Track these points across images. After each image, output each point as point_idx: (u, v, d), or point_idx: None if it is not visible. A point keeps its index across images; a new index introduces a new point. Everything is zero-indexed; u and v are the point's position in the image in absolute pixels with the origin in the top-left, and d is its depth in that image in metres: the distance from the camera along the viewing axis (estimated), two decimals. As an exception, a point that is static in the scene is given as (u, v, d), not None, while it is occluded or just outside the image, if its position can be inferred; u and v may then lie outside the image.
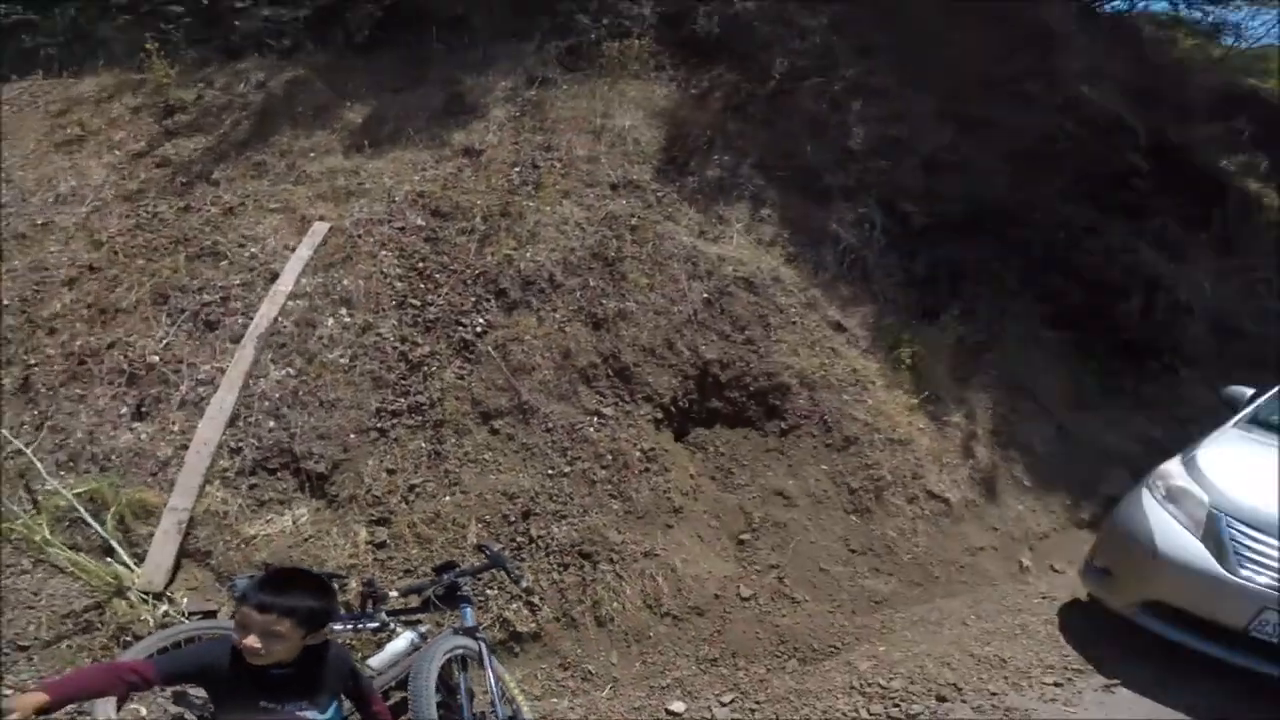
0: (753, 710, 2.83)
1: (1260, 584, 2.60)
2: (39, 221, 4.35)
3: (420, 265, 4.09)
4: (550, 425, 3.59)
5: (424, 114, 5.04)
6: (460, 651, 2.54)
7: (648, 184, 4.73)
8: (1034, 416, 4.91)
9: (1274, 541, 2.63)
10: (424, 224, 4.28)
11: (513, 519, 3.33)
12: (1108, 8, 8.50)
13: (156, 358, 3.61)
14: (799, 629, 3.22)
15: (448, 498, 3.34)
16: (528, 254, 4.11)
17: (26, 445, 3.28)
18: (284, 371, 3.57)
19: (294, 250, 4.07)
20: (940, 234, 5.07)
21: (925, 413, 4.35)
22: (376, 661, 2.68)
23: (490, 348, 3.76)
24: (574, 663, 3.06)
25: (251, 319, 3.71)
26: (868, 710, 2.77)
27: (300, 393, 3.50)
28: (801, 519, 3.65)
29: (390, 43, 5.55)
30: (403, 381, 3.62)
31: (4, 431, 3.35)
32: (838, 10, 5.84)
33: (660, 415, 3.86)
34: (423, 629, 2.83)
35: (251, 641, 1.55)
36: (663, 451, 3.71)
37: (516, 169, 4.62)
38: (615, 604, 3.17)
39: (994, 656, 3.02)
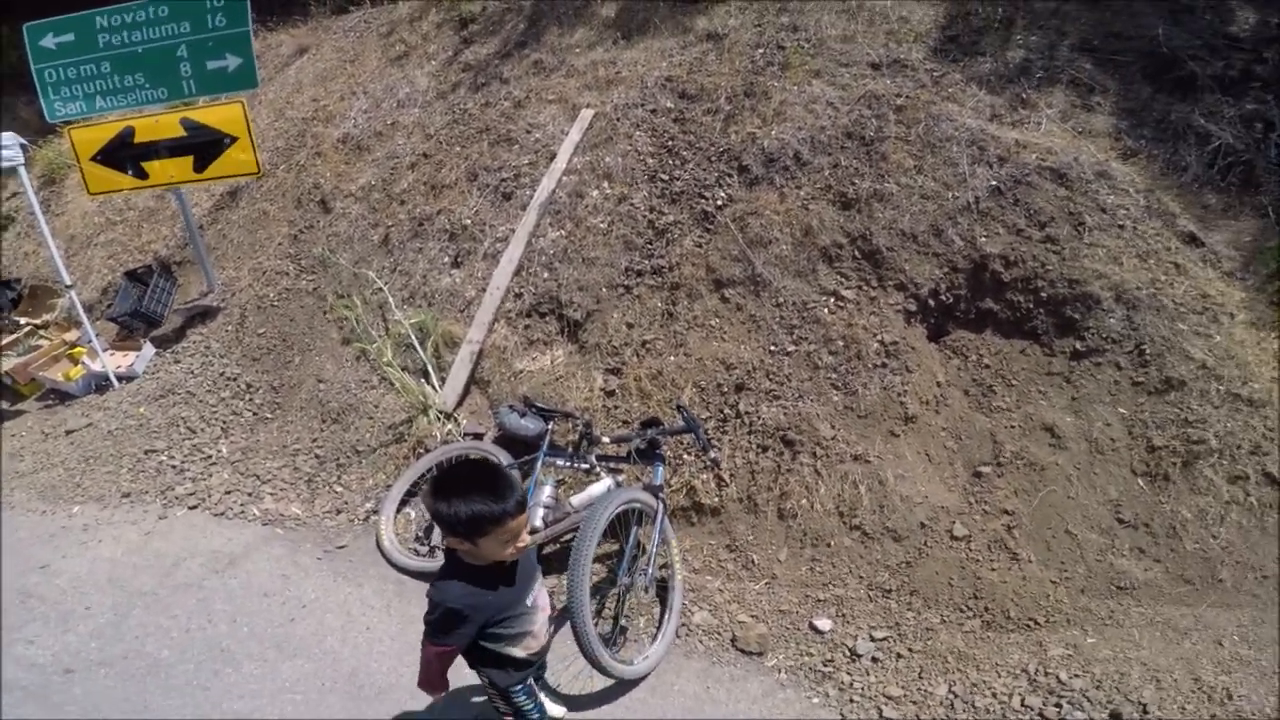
0: (899, 656, 2.49)
1: None
2: (389, 121, 5.39)
3: (669, 143, 4.16)
4: (781, 300, 3.43)
5: (668, 3, 5.03)
6: (638, 505, 2.56)
7: (919, 64, 4.11)
8: None
9: None
10: (672, 106, 4.32)
11: (725, 389, 3.26)
12: None
13: (469, 221, 4.34)
14: (1003, 589, 2.65)
15: (672, 358, 3.42)
16: (772, 132, 3.91)
17: (384, 285, 4.21)
18: (558, 233, 4.01)
19: (567, 134, 4.47)
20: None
21: (1300, 369, 3.08)
22: (577, 500, 2.87)
23: (729, 220, 3.71)
24: (741, 547, 2.93)
25: (535, 190, 4.22)
26: (1022, 700, 2.30)
27: (568, 250, 3.90)
28: (1067, 466, 2.89)
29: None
30: (649, 246, 3.79)
31: (370, 273, 4.36)
32: None
33: (913, 308, 3.36)
34: (620, 478, 2.94)
35: (526, 538, 1.59)
36: (908, 349, 3.22)
37: (760, 50, 4.40)
38: (804, 501, 2.92)
39: (1221, 690, 2.29)
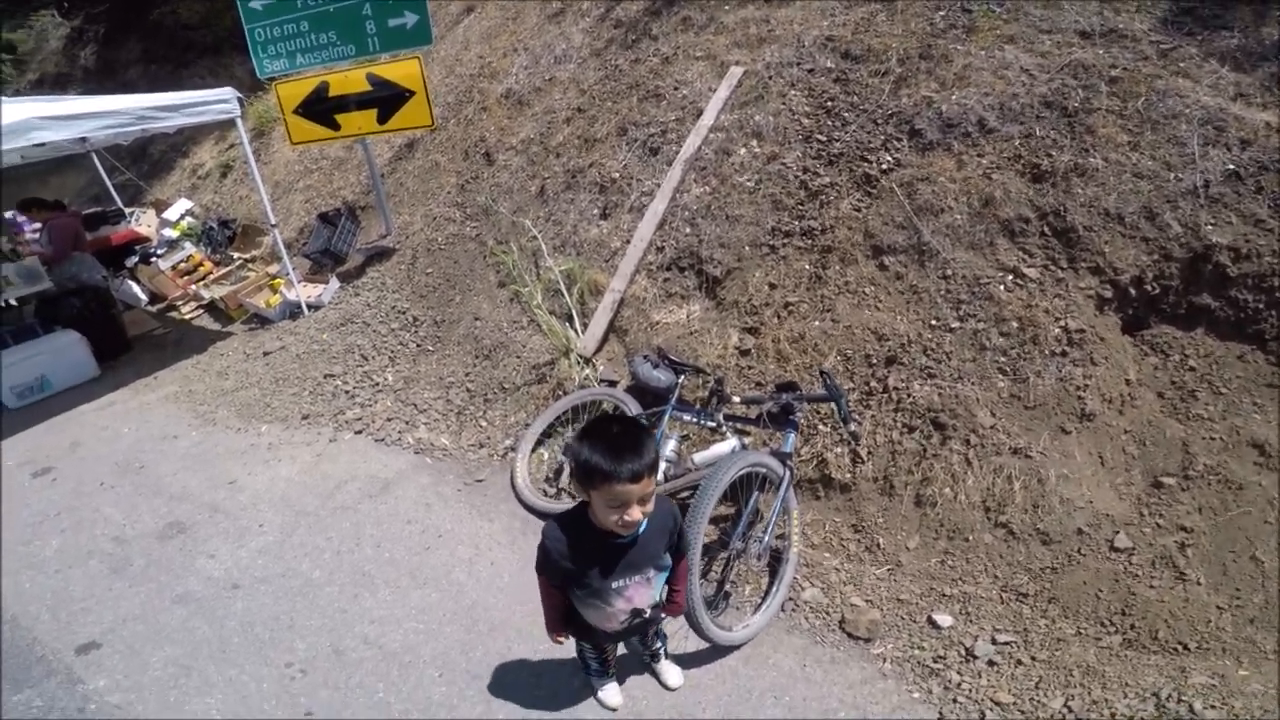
0: (1019, 662, 2.24)
1: None
2: (547, 77, 5.48)
3: (828, 104, 3.86)
4: (949, 273, 3.06)
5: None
6: (763, 471, 2.40)
7: (1143, 35, 3.45)
8: None
9: None
10: (833, 66, 4.00)
11: (874, 361, 3.01)
12: None
13: (618, 174, 4.32)
14: (1158, 608, 2.33)
15: (816, 322, 3.20)
16: (952, 97, 3.47)
17: (538, 233, 4.34)
18: (702, 189, 3.88)
19: (714, 91, 4.28)
20: None
21: None
22: (699, 457, 2.74)
23: (895, 185, 3.36)
24: (868, 529, 2.73)
25: (680, 147, 4.11)
26: (1144, 725, 1.96)
27: (712, 207, 3.76)
28: (1271, 489, 2.48)
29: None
30: (799, 206, 3.54)
31: (527, 222, 4.50)
32: None
33: (1108, 294, 2.90)
34: (747, 440, 2.77)
35: (636, 514, 1.42)
36: (1095, 339, 2.84)
37: (940, 14, 3.92)
38: (947, 489, 2.65)
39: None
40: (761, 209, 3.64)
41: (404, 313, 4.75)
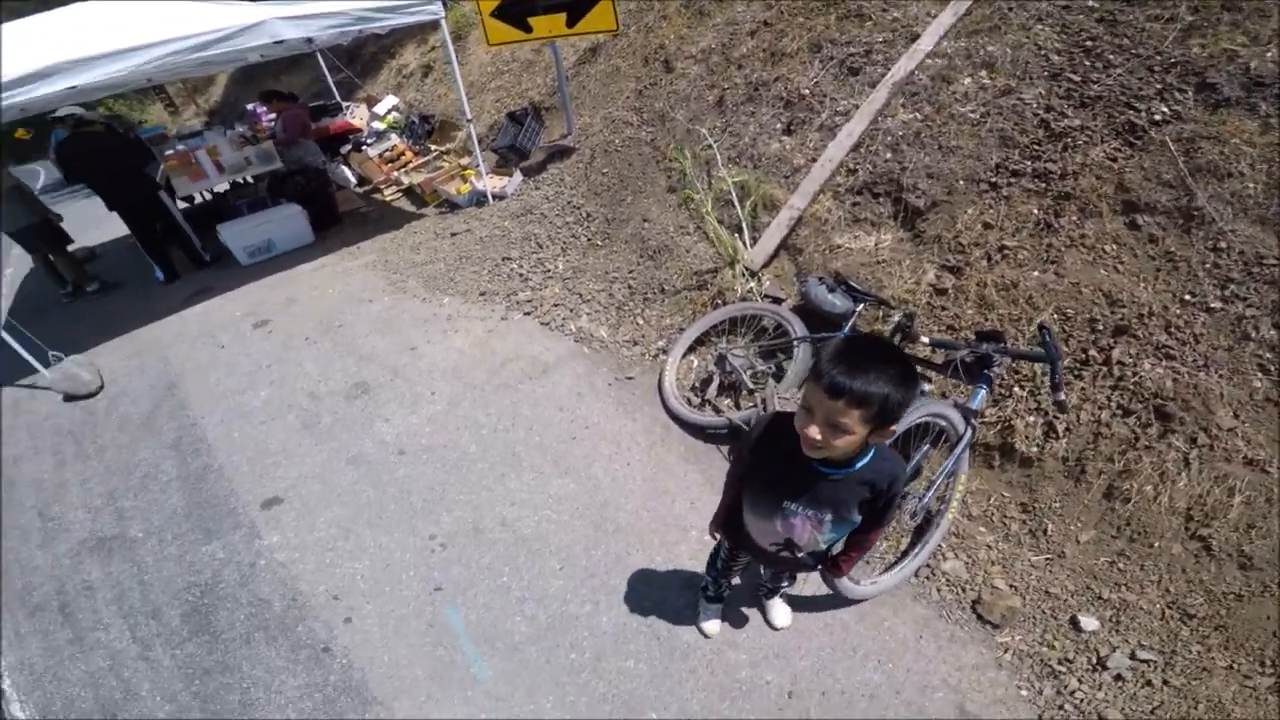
0: (1148, 683, 2.02)
1: None
2: (730, -14, 5.13)
3: (1087, 44, 3.21)
4: (1221, 245, 2.50)
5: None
6: (943, 424, 2.16)
7: None
8: None
9: None
10: (1096, 5, 3.32)
11: (1100, 328, 2.57)
12: None
13: (807, 91, 4.00)
14: None
15: (1036, 272, 2.79)
16: (1268, 54, 2.74)
17: (714, 143, 4.20)
18: (911, 115, 3.47)
19: (935, 17, 3.74)
20: None
21: None
22: None
23: (1169, 138, 2.76)
24: (1039, 512, 2.42)
25: (889, 70, 3.68)
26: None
27: (922, 135, 3.35)
28: None
29: None
30: (1035, 146, 3.04)
31: (703, 130, 4.36)
32: None
33: None
34: (928, 387, 2.54)
35: (812, 432, 1.19)
36: None
37: None
38: (1149, 488, 2.28)
39: None
40: (985, 144, 3.18)
41: (578, 208, 4.89)
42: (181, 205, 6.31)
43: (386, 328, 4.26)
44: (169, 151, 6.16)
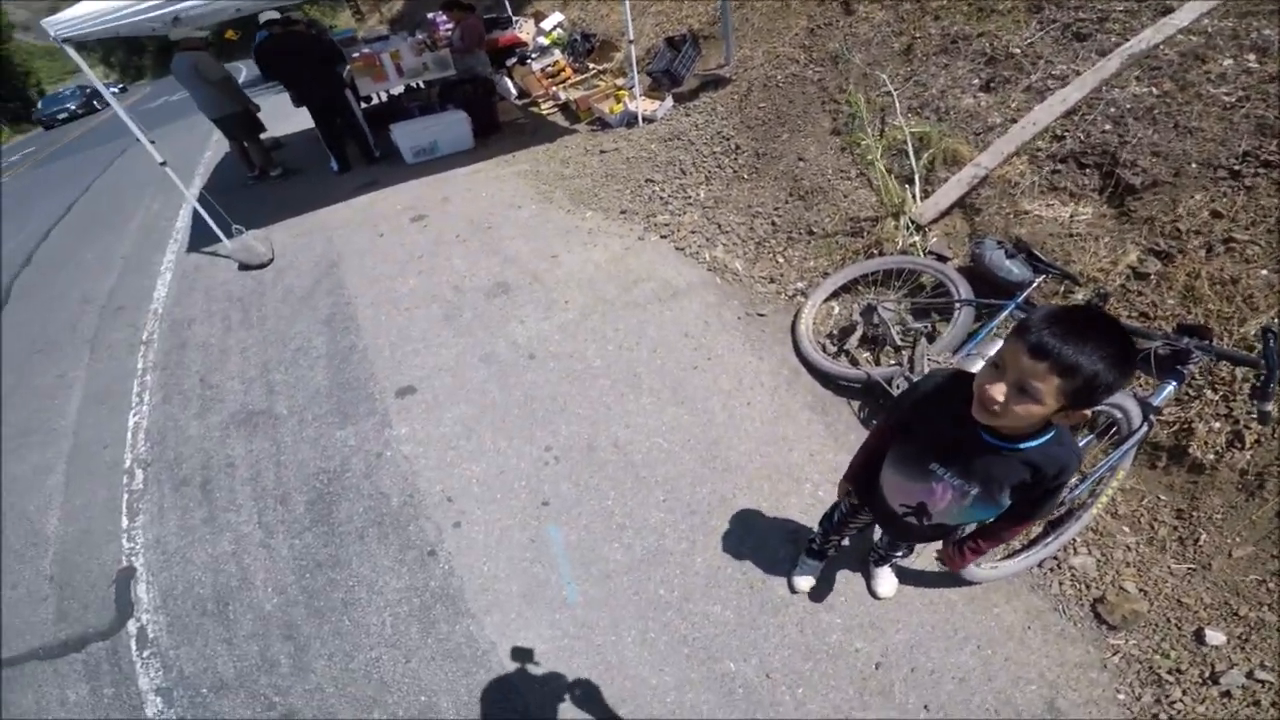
0: (1255, 702, 1.83)
1: None
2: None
3: None
4: None
5: None
6: (1117, 415, 1.98)
7: None
8: None
9: None
10: None
11: None
12: None
13: (1018, 51, 3.57)
14: None
15: (1264, 271, 2.38)
16: None
17: (894, 90, 3.90)
18: (1146, 89, 3.02)
19: None
20: None
21: None
22: None
23: None
24: (1195, 522, 2.17)
25: (1126, 40, 3.22)
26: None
27: (1155, 110, 2.91)
28: None
29: None
30: (1302, 133, 2.57)
31: (884, 76, 4.05)
32: None
33: None
34: None
35: (995, 391, 1.06)
36: None
37: None
38: None
39: None
40: (1235, 129, 2.72)
41: (728, 139, 4.76)
42: (361, 105, 6.77)
43: (531, 234, 4.39)
44: (356, 54, 6.59)
